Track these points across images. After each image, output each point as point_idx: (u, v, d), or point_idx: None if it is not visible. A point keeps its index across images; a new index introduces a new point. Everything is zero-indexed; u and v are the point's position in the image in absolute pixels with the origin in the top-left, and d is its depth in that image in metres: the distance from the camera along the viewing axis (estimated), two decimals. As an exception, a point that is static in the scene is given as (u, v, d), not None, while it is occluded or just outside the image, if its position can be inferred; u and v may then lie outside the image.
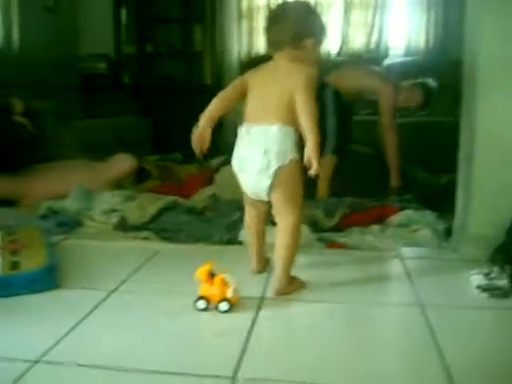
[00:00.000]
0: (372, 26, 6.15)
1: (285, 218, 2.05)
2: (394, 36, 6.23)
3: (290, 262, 2.08)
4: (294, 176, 2.03)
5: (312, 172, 1.93)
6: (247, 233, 2.27)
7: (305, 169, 1.98)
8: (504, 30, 2.34)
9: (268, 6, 6.24)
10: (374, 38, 6.16)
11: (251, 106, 2.09)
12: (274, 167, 1.98)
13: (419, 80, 3.99)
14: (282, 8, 2.25)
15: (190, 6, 6.19)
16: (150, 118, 6.07)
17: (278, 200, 2.05)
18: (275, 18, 2.16)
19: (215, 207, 3.24)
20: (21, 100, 4.12)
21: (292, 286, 2.09)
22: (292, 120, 2.00)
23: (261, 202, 2.12)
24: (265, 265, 2.30)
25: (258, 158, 1.99)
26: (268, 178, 2.00)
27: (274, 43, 2.13)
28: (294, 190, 2.05)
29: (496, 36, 2.35)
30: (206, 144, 2.07)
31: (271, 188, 2.02)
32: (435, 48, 6.09)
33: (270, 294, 2.06)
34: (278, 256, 2.08)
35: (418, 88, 3.91)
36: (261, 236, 2.23)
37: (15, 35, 5.35)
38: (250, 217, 2.22)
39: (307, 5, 2.29)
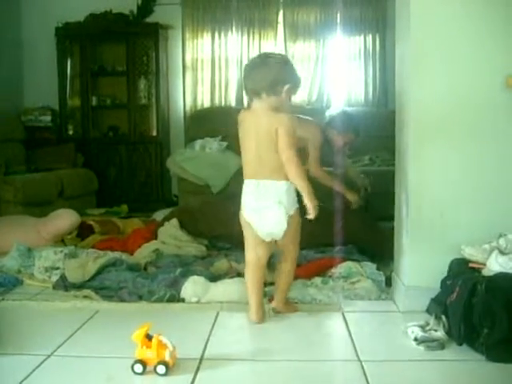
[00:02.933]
0: (313, 79, 6.32)
1: (291, 254, 2.50)
2: (335, 88, 6.41)
3: (289, 285, 2.56)
4: (297, 222, 2.43)
5: (310, 216, 2.31)
6: (249, 283, 2.47)
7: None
8: (433, 85, 2.47)
9: (212, 59, 6.35)
10: (316, 90, 6.33)
11: (250, 161, 2.40)
12: (287, 215, 2.35)
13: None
14: (259, 58, 2.47)
15: (135, 59, 6.24)
16: (94, 170, 6.03)
17: (286, 240, 2.44)
18: (253, 67, 2.39)
19: (158, 263, 3.21)
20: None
21: (287, 308, 2.54)
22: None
23: (265, 246, 2.43)
24: (264, 313, 2.47)
25: (275, 207, 2.34)
26: (284, 222, 2.36)
27: (251, 91, 2.37)
28: (297, 233, 2.47)
29: (425, 91, 2.47)
30: None
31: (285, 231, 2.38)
32: (374, 99, 6.30)
33: (273, 305, 2.51)
34: (285, 282, 2.52)
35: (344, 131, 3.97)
36: (261, 284, 2.48)
37: (-44, 88, 5.30)
38: (251, 265, 2.46)
39: (282, 56, 2.57)
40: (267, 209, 2.35)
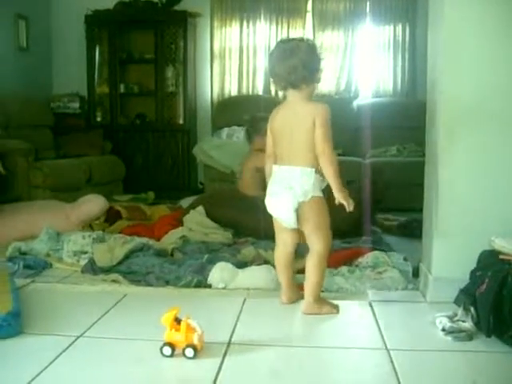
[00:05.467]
0: (342, 69, 6.28)
1: (313, 246, 2.35)
2: (363, 78, 6.37)
3: (317, 283, 2.36)
4: (317, 210, 2.32)
5: (349, 209, 2.28)
6: (277, 265, 2.48)
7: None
8: (466, 74, 2.43)
9: (240, 47, 6.35)
10: (344, 80, 6.29)
11: (280, 148, 2.36)
12: (296, 201, 2.27)
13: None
14: (294, 44, 2.34)
15: (163, 47, 6.26)
16: (122, 157, 6.08)
17: (306, 230, 2.35)
18: (290, 54, 2.28)
19: (184, 249, 3.23)
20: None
21: (319, 307, 2.36)
22: (314, 161, 2.28)
23: (289, 232, 2.38)
24: (295, 295, 2.47)
25: (283, 192, 2.29)
26: (290, 210, 2.28)
27: (289, 82, 2.30)
28: (320, 222, 2.34)
29: (457, 80, 2.43)
30: None
31: (298, 219, 2.30)
32: (403, 90, 6.24)
33: (301, 310, 2.37)
34: (307, 279, 2.37)
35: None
36: (288, 267, 2.45)
37: (-13, 75, 5.37)
38: (278, 248, 2.45)
39: (313, 41, 2.48)
40: (276, 194, 2.33)
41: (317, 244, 2.35)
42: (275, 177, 2.37)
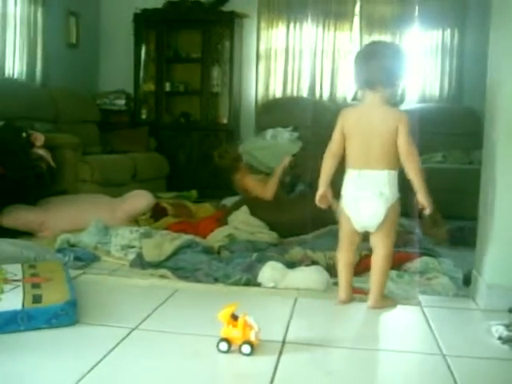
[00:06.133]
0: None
1: (380, 250, 2.41)
2: (409, 83, 6.29)
3: (383, 281, 2.45)
4: (396, 213, 2.39)
5: (427, 212, 2.32)
6: (338, 264, 2.51)
7: None
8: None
9: (286, 49, 6.34)
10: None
11: (356, 151, 2.37)
12: (386, 206, 2.31)
13: None
14: (379, 47, 2.45)
15: (209, 47, 6.30)
16: (166, 155, 6.12)
17: (380, 232, 2.37)
18: (372, 56, 2.34)
19: (231, 248, 3.24)
20: (41, 133, 4.19)
21: (384, 302, 2.45)
22: (396, 164, 2.33)
23: (359, 234, 2.42)
24: (349, 296, 2.49)
25: (374, 198, 2.31)
26: (381, 215, 2.32)
27: (366, 82, 2.34)
28: (393, 226, 2.41)
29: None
30: (329, 202, 2.46)
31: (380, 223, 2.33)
32: (449, 95, 6.16)
33: (369, 304, 2.43)
34: (374, 277, 2.44)
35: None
36: (350, 267, 2.48)
37: (38, 70, 5.47)
38: (343, 249, 2.47)
39: (400, 46, 2.48)
40: (367, 199, 2.33)
41: (386, 247, 2.41)
42: (356, 181, 2.36)
